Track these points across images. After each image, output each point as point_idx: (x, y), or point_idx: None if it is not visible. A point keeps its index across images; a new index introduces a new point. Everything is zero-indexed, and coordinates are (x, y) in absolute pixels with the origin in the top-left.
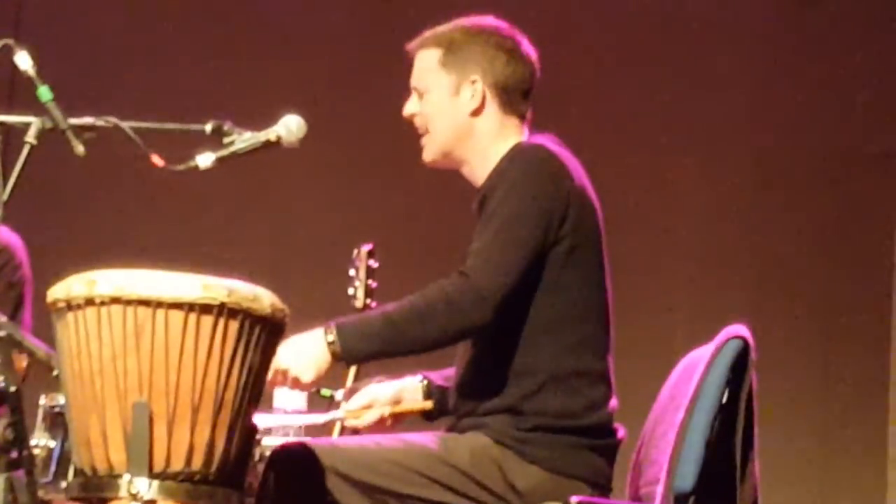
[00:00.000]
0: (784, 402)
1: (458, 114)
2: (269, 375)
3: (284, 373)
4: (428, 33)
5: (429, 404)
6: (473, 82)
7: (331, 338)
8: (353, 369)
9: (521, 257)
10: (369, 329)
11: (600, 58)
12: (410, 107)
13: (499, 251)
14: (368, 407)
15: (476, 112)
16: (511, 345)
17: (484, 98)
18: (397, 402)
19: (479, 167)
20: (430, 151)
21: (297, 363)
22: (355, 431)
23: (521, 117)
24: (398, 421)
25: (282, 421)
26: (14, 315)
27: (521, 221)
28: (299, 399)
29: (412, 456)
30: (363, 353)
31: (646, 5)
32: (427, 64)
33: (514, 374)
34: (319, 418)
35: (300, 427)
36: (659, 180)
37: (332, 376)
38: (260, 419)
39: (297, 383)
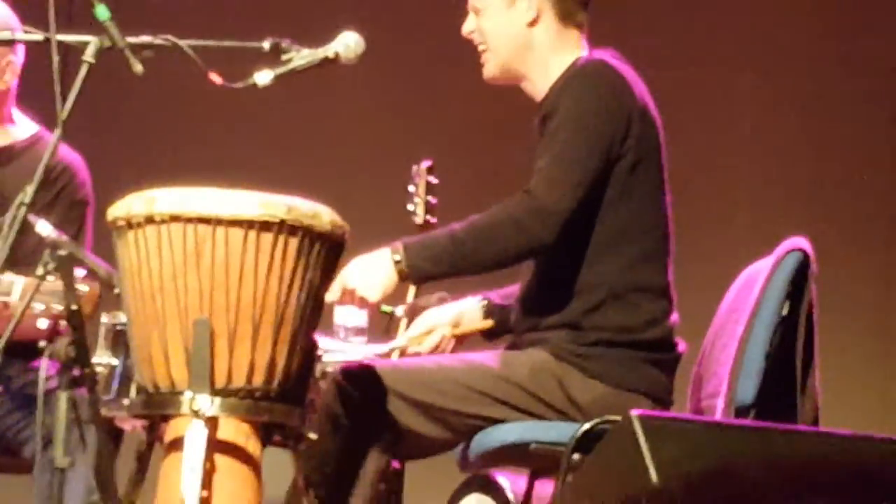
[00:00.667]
0: (845, 316)
1: (515, 25)
2: (337, 294)
3: (352, 292)
4: None
5: (489, 323)
6: None
7: (397, 257)
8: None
9: (585, 175)
10: (436, 249)
11: None
12: (469, 25)
13: (562, 169)
14: (429, 333)
15: (533, 23)
16: (572, 260)
17: (540, 9)
18: (457, 325)
19: (540, 80)
20: (491, 67)
21: (364, 282)
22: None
23: (580, 28)
24: (460, 343)
25: (343, 353)
26: (77, 235)
27: (585, 139)
28: (360, 316)
29: (472, 375)
30: (430, 273)
31: None
32: None
33: (574, 289)
34: (381, 348)
35: (362, 342)
36: (718, 95)
37: (393, 293)
38: (322, 342)
39: (363, 302)
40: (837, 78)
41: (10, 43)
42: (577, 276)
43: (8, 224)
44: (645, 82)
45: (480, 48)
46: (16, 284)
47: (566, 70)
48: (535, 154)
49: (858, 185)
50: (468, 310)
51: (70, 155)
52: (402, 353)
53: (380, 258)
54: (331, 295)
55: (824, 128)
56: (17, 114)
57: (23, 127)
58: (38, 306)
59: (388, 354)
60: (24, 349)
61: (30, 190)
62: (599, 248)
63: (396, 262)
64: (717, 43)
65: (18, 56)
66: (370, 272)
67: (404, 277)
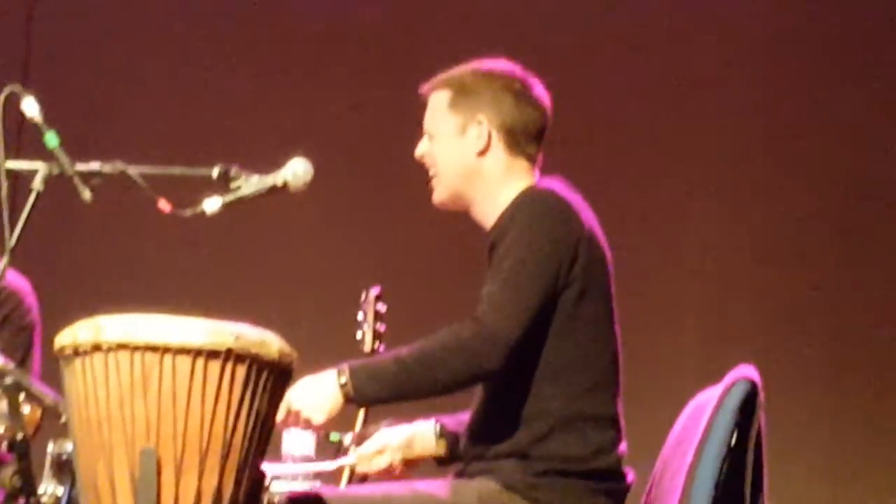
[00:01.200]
0: (793, 444)
1: (465, 153)
2: (280, 416)
3: (296, 414)
4: (441, 76)
5: (441, 450)
6: (480, 123)
7: (343, 379)
8: (361, 413)
9: (533, 302)
10: (381, 372)
11: (611, 98)
12: (421, 148)
13: (510, 296)
14: (380, 452)
15: (482, 152)
16: (520, 389)
17: (490, 138)
18: (409, 447)
19: (489, 209)
20: (440, 192)
21: (309, 403)
22: (365, 477)
23: (530, 159)
24: (410, 466)
25: (291, 469)
26: (24, 360)
27: (532, 266)
28: (308, 444)
29: None
30: (375, 396)
31: (658, 45)
32: (437, 105)
33: (523, 418)
34: (330, 465)
35: (310, 472)
36: (665, 223)
37: (340, 421)
38: (269, 467)
39: (308, 424)
40: (786, 202)
41: None
42: (525, 404)
43: None
44: (593, 209)
45: (431, 172)
46: None
47: (515, 198)
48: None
49: (806, 311)
50: (421, 432)
51: (16, 280)
52: (352, 472)
53: (325, 380)
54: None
55: (770, 253)
56: None
57: None
58: None
59: (337, 472)
60: None
61: None
62: (547, 376)
63: (342, 385)
64: (668, 168)
65: None
66: (315, 394)
67: (349, 400)
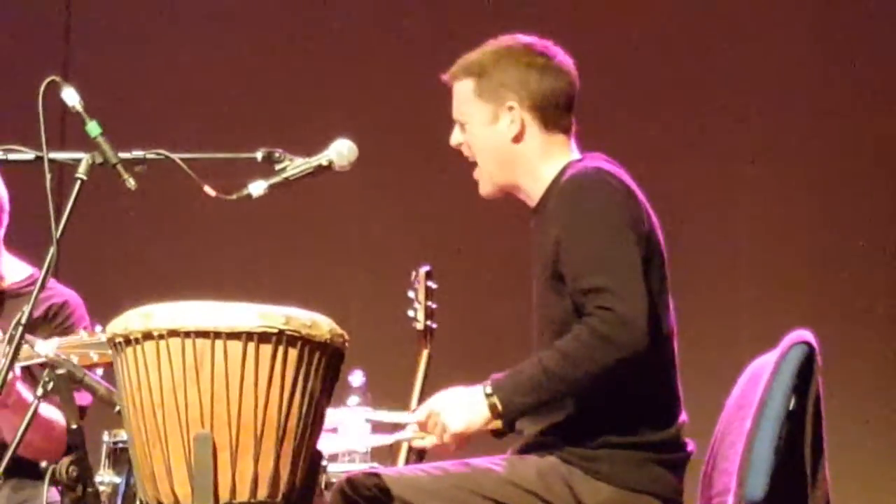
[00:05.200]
0: (852, 407)
1: (500, 142)
2: (422, 416)
3: (437, 416)
4: (460, 62)
5: (498, 423)
6: (510, 109)
7: (489, 390)
8: (419, 381)
9: (639, 276)
10: (526, 380)
11: (648, 62)
12: (455, 137)
13: (622, 280)
14: (431, 418)
15: (517, 138)
16: None
17: (523, 122)
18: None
19: (531, 189)
20: (485, 187)
21: (451, 410)
22: (422, 455)
23: (566, 131)
24: (465, 442)
25: (349, 443)
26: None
27: (622, 243)
28: (364, 426)
29: (478, 480)
30: (523, 405)
31: (701, 14)
32: (464, 95)
33: (579, 392)
34: (387, 439)
35: (367, 452)
36: (718, 189)
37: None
38: (327, 441)
39: (444, 431)
40: (839, 166)
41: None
42: None
43: (6, 343)
44: (643, 175)
45: (470, 160)
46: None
47: (559, 174)
48: (537, 259)
49: (861, 274)
50: None
51: (66, 291)
52: (410, 449)
53: (472, 392)
54: (417, 415)
55: (826, 217)
56: (9, 259)
57: (15, 270)
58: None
59: (394, 450)
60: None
61: (27, 310)
62: None
63: (488, 395)
64: (716, 133)
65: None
66: (459, 402)
67: (496, 412)
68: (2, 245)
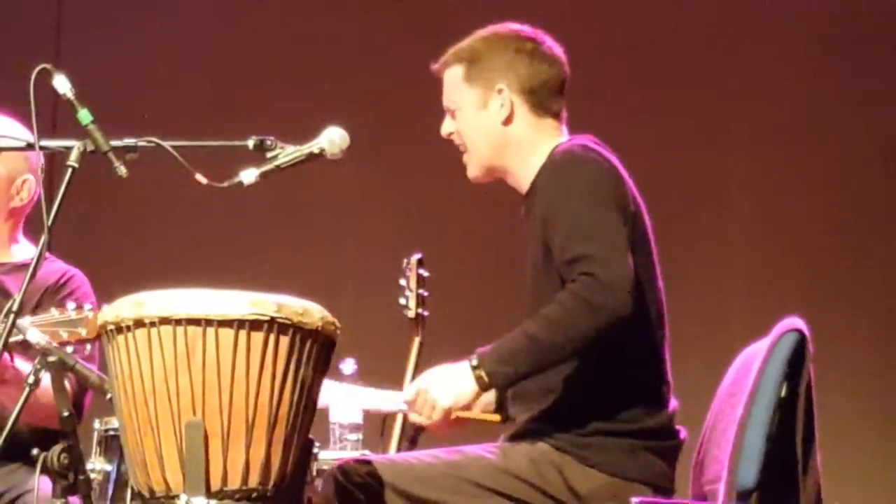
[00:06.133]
0: (843, 394)
1: (491, 126)
2: (411, 395)
3: (425, 393)
4: (450, 51)
5: (496, 417)
6: (500, 91)
7: (474, 363)
8: (411, 369)
9: (623, 243)
10: (512, 349)
11: (641, 53)
12: (446, 126)
13: (603, 246)
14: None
15: (507, 121)
16: None
17: (512, 105)
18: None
19: (523, 173)
20: (473, 169)
21: (439, 386)
22: (414, 439)
23: (556, 116)
24: (463, 423)
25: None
26: None
27: (606, 212)
28: (355, 412)
29: (470, 467)
30: (511, 375)
31: (696, 5)
32: (453, 82)
33: (571, 379)
34: (385, 405)
35: (358, 440)
36: (710, 177)
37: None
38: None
39: (433, 408)
40: (832, 154)
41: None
42: (572, 365)
43: None
44: (635, 163)
45: (461, 149)
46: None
47: (548, 158)
48: (530, 245)
49: (852, 261)
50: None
51: (71, 269)
52: (404, 420)
53: (458, 366)
54: (405, 395)
55: (818, 205)
56: (23, 238)
57: (25, 249)
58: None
59: (386, 438)
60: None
61: (18, 298)
62: None
63: (474, 368)
64: (708, 123)
65: (35, 178)
66: (446, 377)
67: (484, 384)
68: (21, 224)
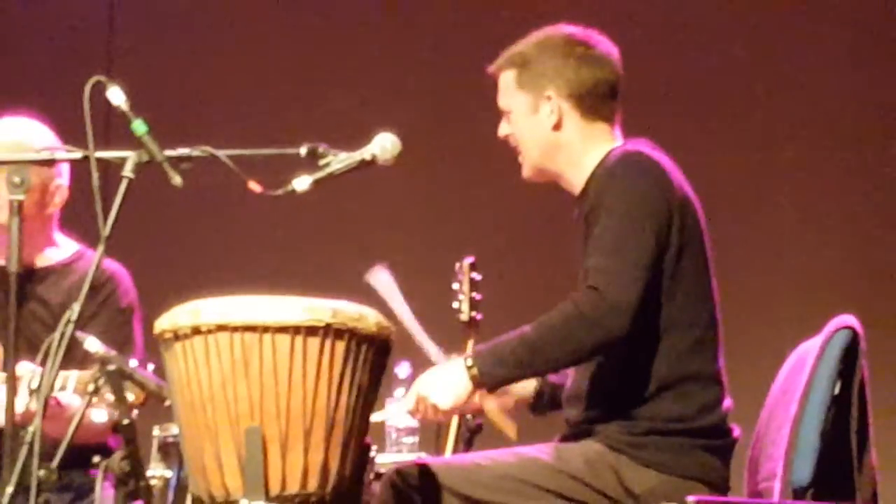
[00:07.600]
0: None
1: (541, 131)
2: (412, 403)
3: (424, 400)
4: (504, 54)
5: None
6: (549, 98)
7: (469, 362)
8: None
9: (644, 265)
10: (507, 352)
11: (693, 57)
12: (503, 129)
13: (622, 263)
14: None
15: (557, 126)
16: (622, 352)
17: (561, 111)
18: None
19: (574, 177)
20: (526, 169)
21: (436, 389)
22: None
23: (608, 120)
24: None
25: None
26: (125, 343)
27: (637, 231)
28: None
29: (526, 469)
30: (503, 376)
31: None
32: (507, 86)
33: (626, 379)
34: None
35: (414, 443)
36: (759, 175)
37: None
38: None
39: (436, 411)
40: (879, 148)
41: (52, 163)
42: (628, 367)
43: (57, 341)
44: (683, 163)
45: (517, 150)
46: (70, 378)
47: (601, 162)
48: (582, 248)
49: None
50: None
51: (112, 265)
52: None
53: (452, 366)
54: (406, 403)
55: (866, 201)
56: (59, 237)
57: (64, 248)
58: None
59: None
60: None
61: (76, 307)
62: (650, 338)
63: (468, 368)
64: (756, 119)
65: (65, 180)
66: (442, 380)
67: (477, 383)
68: (55, 225)
